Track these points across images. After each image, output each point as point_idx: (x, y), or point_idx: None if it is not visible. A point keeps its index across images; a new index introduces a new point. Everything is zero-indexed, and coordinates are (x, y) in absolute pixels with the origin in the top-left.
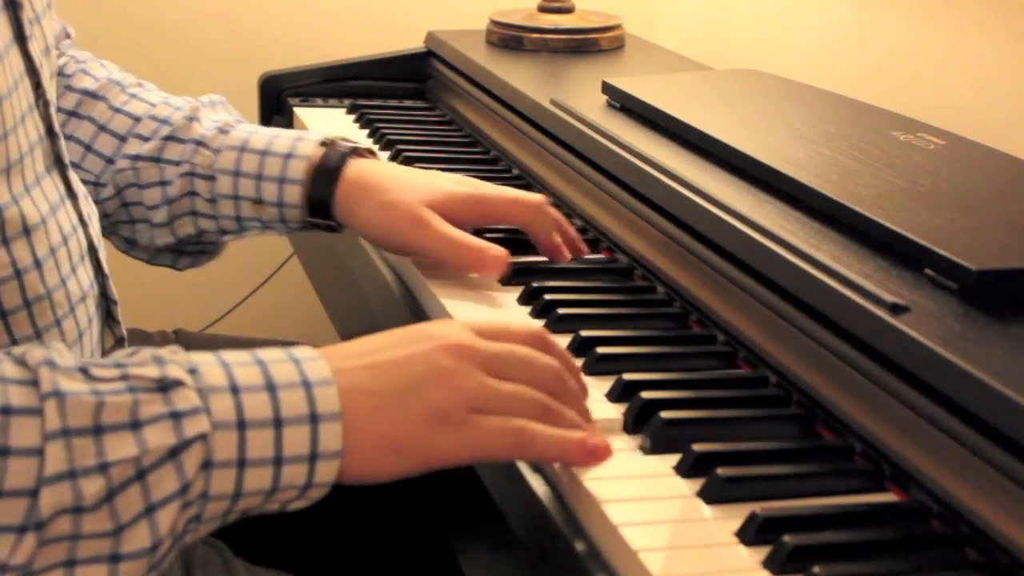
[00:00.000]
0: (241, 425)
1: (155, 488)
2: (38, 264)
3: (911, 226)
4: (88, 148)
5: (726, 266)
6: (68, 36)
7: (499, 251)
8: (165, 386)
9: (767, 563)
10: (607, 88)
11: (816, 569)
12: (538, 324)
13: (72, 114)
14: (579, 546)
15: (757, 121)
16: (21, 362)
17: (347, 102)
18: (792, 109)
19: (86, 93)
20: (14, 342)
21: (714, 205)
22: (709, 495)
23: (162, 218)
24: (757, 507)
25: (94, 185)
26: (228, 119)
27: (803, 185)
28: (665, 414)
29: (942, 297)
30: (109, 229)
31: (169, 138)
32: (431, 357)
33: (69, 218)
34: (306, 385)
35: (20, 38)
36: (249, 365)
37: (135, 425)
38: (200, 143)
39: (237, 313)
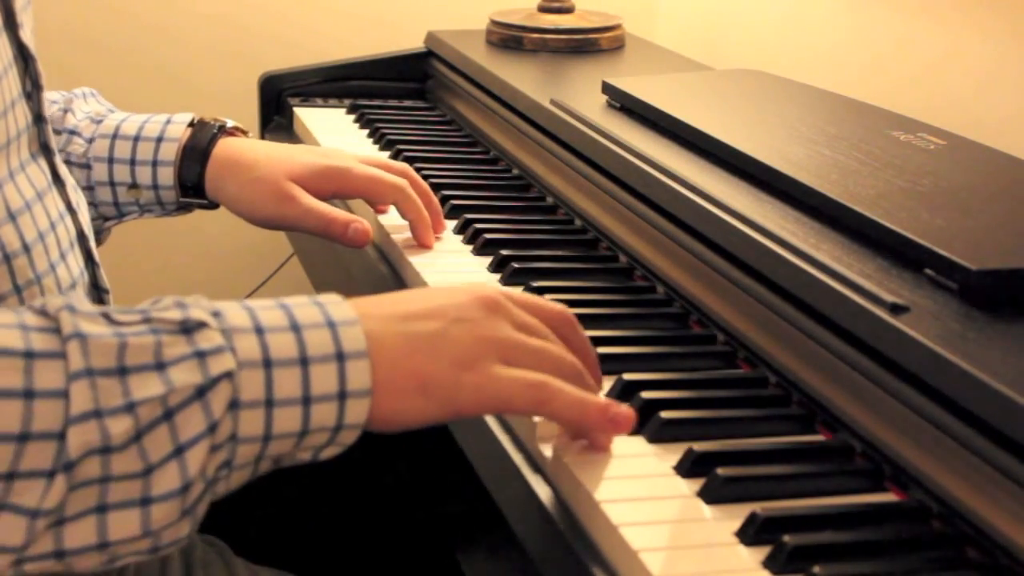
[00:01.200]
0: (267, 364)
1: (183, 428)
2: (27, 249)
3: (911, 226)
4: None
5: (726, 266)
6: None
7: (361, 223)
8: (188, 328)
9: (767, 563)
10: (607, 88)
11: (816, 569)
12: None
13: None
14: (579, 546)
15: (757, 121)
16: (41, 311)
17: (347, 102)
18: (792, 109)
19: None
20: None
21: (714, 205)
22: (709, 495)
23: None
24: (757, 507)
25: None
26: (100, 109)
27: (803, 185)
28: (665, 414)
29: (942, 297)
30: None
31: None
32: (463, 306)
33: (56, 204)
34: (331, 325)
35: (11, 25)
36: (272, 309)
37: (159, 366)
38: (73, 132)
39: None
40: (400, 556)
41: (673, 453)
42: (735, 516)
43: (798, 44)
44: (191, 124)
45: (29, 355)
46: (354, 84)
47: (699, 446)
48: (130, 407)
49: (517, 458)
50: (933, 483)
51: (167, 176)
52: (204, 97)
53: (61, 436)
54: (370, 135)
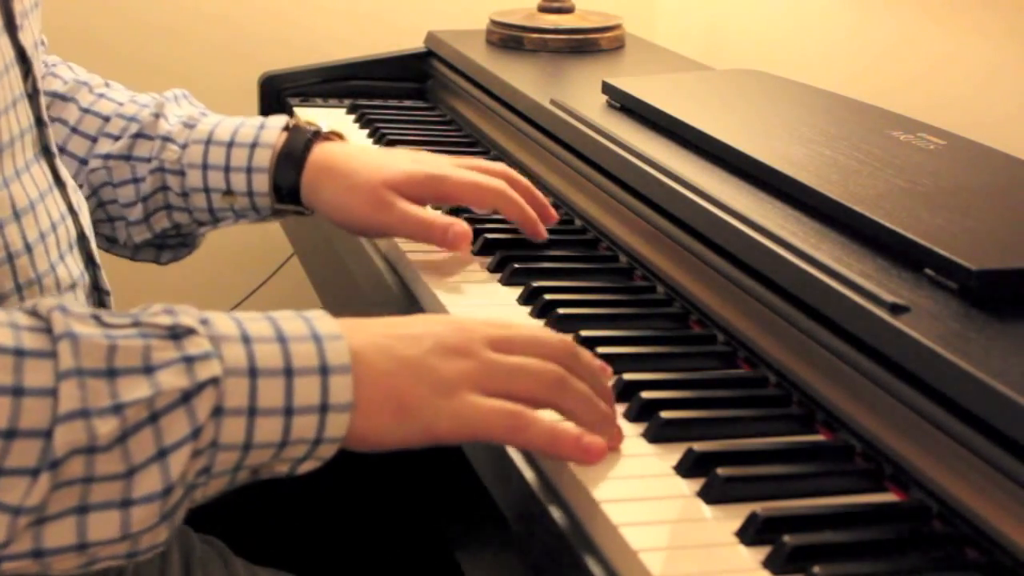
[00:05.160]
0: (252, 372)
1: (167, 431)
2: (29, 248)
3: (911, 226)
4: (61, 150)
5: (726, 266)
6: (43, 43)
7: (462, 226)
8: (177, 333)
9: (767, 563)
10: (607, 88)
11: (816, 569)
12: (538, 324)
13: None
14: (579, 546)
15: (757, 121)
16: (33, 312)
17: (347, 102)
18: (792, 109)
19: (55, 95)
20: None
21: (714, 205)
22: (709, 495)
23: (137, 215)
24: (757, 507)
25: None
26: (193, 112)
27: (803, 185)
28: (665, 414)
29: (942, 297)
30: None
31: (138, 135)
32: (441, 334)
33: (57, 206)
34: (316, 339)
35: (10, 27)
36: (260, 320)
37: (148, 370)
38: (167, 139)
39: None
40: (400, 556)
41: (673, 453)
42: (735, 516)
43: (798, 44)
44: (286, 128)
45: (19, 353)
46: (354, 84)
47: (699, 446)
48: (117, 408)
49: (517, 458)
50: (933, 483)
51: (262, 183)
52: (204, 97)
53: (48, 434)
54: (370, 135)
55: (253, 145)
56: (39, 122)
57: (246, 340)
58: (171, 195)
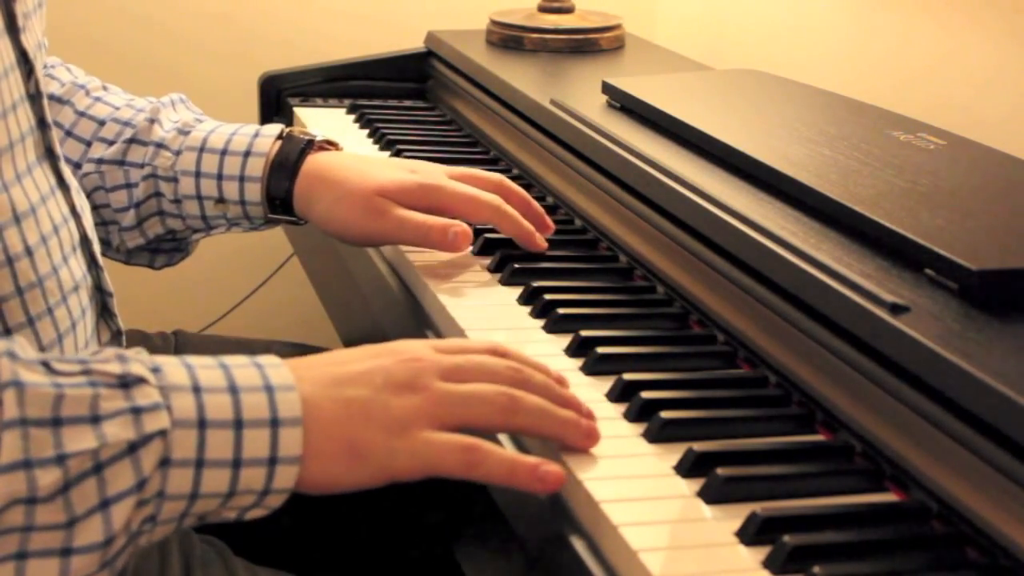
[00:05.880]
0: (202, 424)
1: (111, 482)
2: (29, 252)
3: (911, 226)
4: None
5: (726, 266)
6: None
7: (460, 226)
8: (127, 382)
9: (767, 563)
10: (607, 88)
11: (816, 569)
12: (537, 324)
13: None
14: (579, 546)
15: (757, 121)
16: None
17: (347, 102)
18: (792, 109)
19: (51, 98)
20: (7, 329)
21: (714, 205)
22: (709, 495)
23: (130, 220)
24: (757, 507)
25: None
26: (188, 118)
27: (803, 185)
28: (665, 414)
29: (942, 297)
30: None
31: (132, 141)
32: (391, 369)
33: (60, 208)
34: (268, 389)
35: (12, 29)
36: (212, 368)
37: (95, 419)
38: (160, 145)
39: (237, 313)
40: (400, 556)
41: (673, 453)
42: (735, 516)
43: (798, 44)
44: (280, 137)
45: None
46: (354, 84)
47: (699, 446)
48: (60, 459)
49: None
50: (933, 483)
51: (254, 192)
52: (204, 97)
53: None
54: (370, 135)
55: (246, 154)
56: (42, 124)
57: (196, 390)
58: (164, 201)
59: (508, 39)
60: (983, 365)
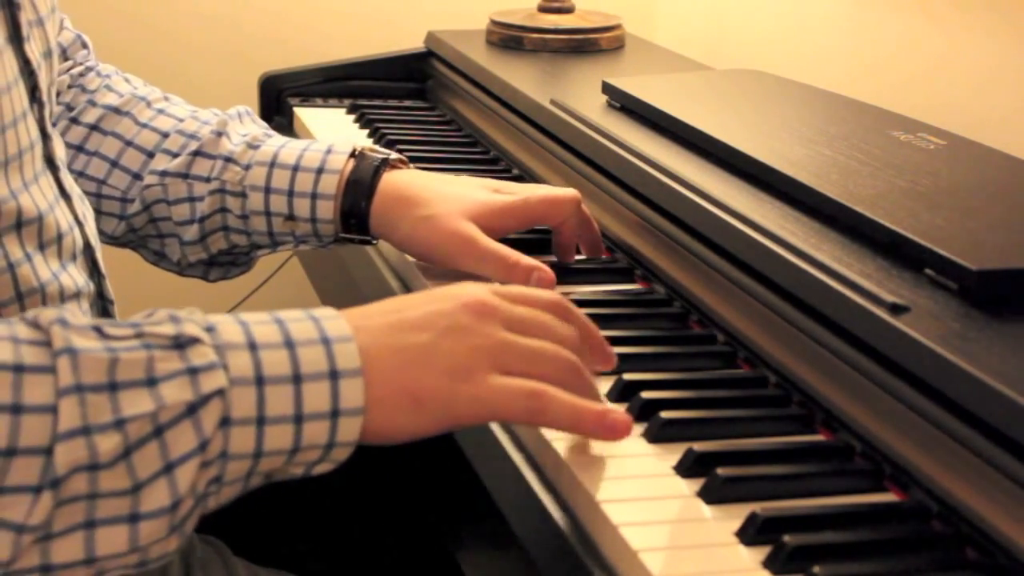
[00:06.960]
0: (259, 381)
1: (173, 445)
2: (29, 258)
3: (911, 226)
4: (114, 164)
5: (726, 266)
6: (85, 46)
7: (545, 271)
8: (181, 343)
9: (767, 563)
10: (607, 88)
11: (816, 569)
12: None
13: (94, 129)
14: (579, 546)
15: (757, 121)
16: (34, 324)
17: (347, 102)
18: (792, 109)
19: (109, 108)
20: None
21: (714, 205)
22: (709, 495)
23: (193, 235)
24: (757, 507)
25: (120, 201)
26: (256, 132)
27: (803, 185)
28: (665, 414)
29: (942, 297)
30: (137, 243)
31: (197, 153)
32: (453, 314)
33: (65, 217)
34: (325, 342)
35: (16, 38)
36: (267, 323)
37: (151, 382)
38: (229, 159)
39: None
40: (400, 556)
41: (673, 453)
42: (735, 516)
43: (798, 44)
44: (353, 155)
45: (19, 369)
46: (354, 84)
47: (699, 446)
48: (119, 424)
49: (517, 458)
50: (933, 483)
51: (327, 210)
52: (204, 97)
53: (48, 452)
54: (370, 135)
55: (319, 171)
56: (43, 134)
57: (252, 347)
58: (230, 217)
59: (508, 39)
60: (983, 365)
